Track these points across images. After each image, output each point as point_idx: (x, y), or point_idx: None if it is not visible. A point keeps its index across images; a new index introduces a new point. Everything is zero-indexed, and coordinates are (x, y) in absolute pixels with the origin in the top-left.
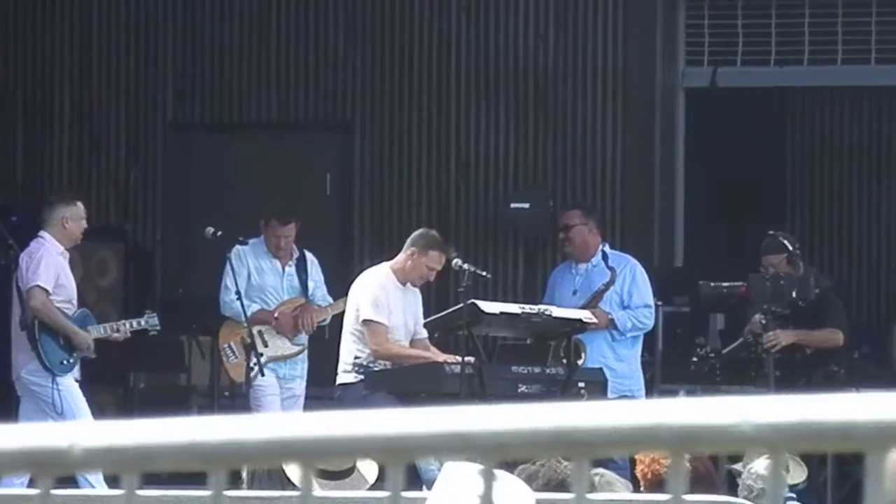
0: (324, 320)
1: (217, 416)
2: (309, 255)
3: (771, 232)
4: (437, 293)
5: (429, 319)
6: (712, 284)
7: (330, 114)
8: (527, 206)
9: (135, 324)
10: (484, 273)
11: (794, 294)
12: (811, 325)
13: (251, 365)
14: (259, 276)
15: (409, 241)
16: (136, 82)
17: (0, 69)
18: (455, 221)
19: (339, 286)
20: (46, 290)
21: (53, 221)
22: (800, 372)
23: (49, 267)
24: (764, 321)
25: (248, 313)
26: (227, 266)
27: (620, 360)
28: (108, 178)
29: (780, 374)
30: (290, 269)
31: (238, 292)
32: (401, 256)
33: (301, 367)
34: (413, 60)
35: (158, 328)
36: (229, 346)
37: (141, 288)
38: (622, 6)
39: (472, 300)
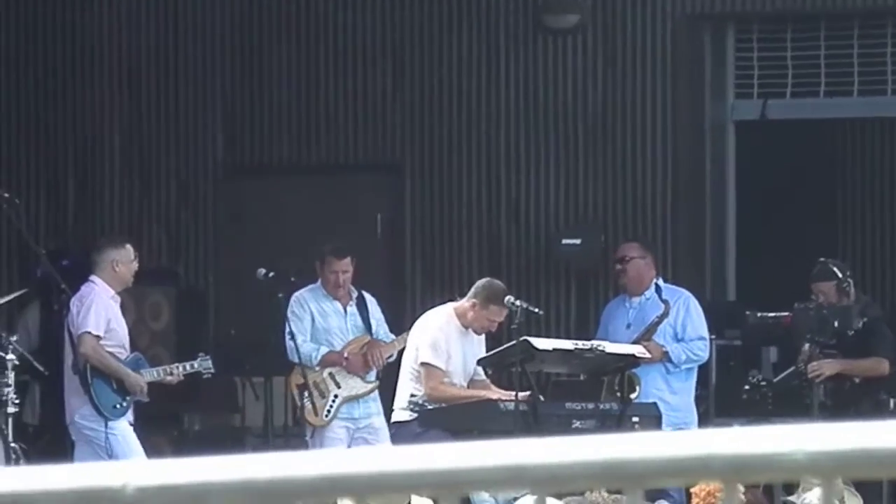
0: (391, 356)
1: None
2: (367, 295)
3: (822, 259)
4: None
5: (482, 357)
6: (759, 315)
7: (380, 155)
8: (578, 241)
9: (188, 367)
10: (536, 310)
11: (836, 324)
12: (858, 354)
13: (328, 406)
14: (323, 318)
15: (472, 290)
16: (185, 125)
17: (51, 114)
18: (506, 259)
19: (391, 327)
20: (97, 336)
21: (104, 265)
22: (849, 401)
23: (99, 312)
24: (810, 351)
25: (319, 356)
26: (289, 313)
27: (674, 392)
28: (159, 220)
29: (830, 403)
30: (352, 308)
31: (291, 334)
32: (465, 303)
33: (375, 405)
34: (462, 100)
35: (212, 371)
36: (300, 392)
37: (194, 330)
38: (670, 40)
39: (525, 337)
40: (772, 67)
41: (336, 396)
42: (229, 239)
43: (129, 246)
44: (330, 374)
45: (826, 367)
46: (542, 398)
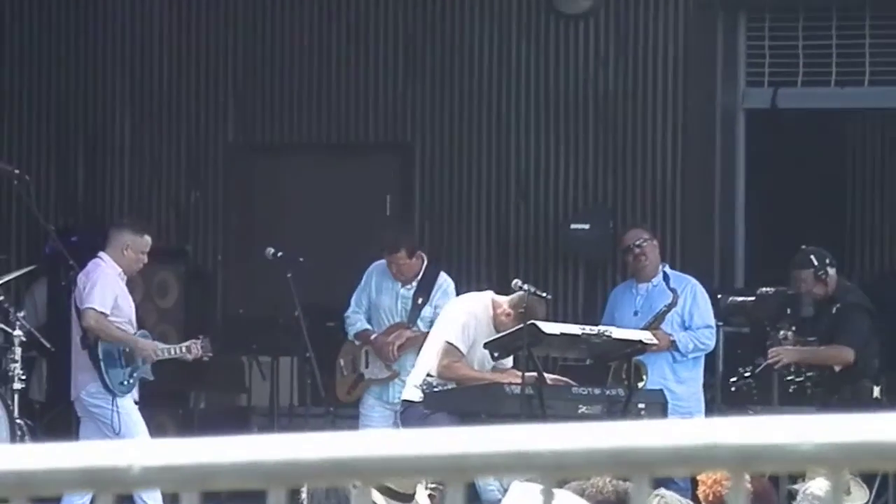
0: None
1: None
2: (441, 279)
3: (802, 247)
4: None
5: (489, 340)
6: (730, 299)
7: (390, 135)
8: (587, 227)
9: (193, 348)
10: (544, 294)
11: (788, 311)
12: (830, 342)
13: (351, 384)
14: (377, 295)
15: (517, 297)
16: (196, 103)
17: (62, 89)
18: (515, 243)
19: None
20: (103, 313)
21: (116, 244)
22: (831, 388)
23: (105, 288)
24: (775, 337)
25: (354, 330)
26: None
27: (681, 382)
28: (168, 199)
29: (812, 390)
30: (407, 291)
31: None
32: (504, 304)
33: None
34: (473, 82)
35: (210, 354)
36: (342, 363)
37: (201, 309)
38: (682, 27)
39: (532, 321)
40: (783, 56)
41: (361, 376)
42: (238, 218)
43: (147, 237)
44: (366, 351)
45: (784, 354)
46: (548, 382)
